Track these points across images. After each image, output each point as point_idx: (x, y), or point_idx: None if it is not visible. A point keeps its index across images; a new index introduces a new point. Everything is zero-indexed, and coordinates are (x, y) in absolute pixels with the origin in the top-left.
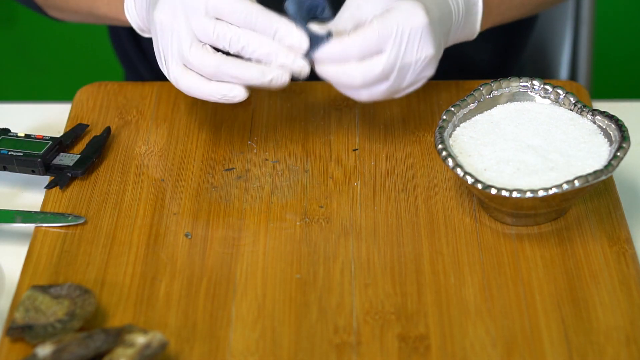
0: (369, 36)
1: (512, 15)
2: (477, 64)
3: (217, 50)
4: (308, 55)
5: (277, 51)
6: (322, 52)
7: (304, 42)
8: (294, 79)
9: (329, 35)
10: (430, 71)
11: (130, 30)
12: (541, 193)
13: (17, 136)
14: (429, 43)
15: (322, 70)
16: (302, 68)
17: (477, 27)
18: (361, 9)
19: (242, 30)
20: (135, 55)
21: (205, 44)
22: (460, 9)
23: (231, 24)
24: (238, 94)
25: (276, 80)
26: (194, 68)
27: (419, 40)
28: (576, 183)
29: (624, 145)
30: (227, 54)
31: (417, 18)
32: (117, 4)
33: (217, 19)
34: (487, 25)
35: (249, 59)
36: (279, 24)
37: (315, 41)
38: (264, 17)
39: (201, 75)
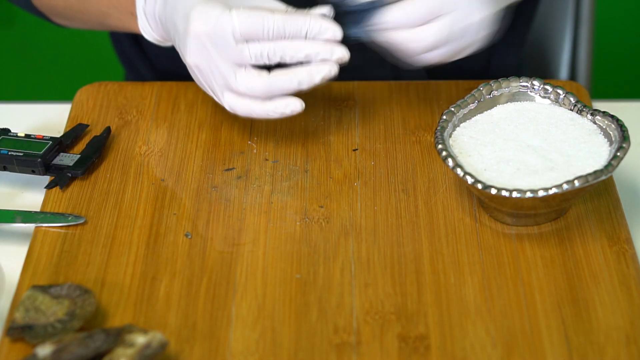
0: (428, 2)
1: None
2: (477, 63)
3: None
4: (362, 28)
5: (315, 49)
6: (386, 21)
7: (337, 32)
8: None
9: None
10: (485, 33)
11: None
12: (541, 193)
13: (17, 136)
14: (484, 3)
15: (389, 37)
16: (342, 55)
17: None
18: None
19: (275, 43)
20: (135, 56)
21: (247, 66)
22: None
23: (263, 39)
24: (294, 107)
25: (327, 76)
26: (246, 94)
27: (475, 1)
28: (576, 183)
29: (624, 145)
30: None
31: None
32: (129, 20)
33: (248, 41)
34: None
35: (293, 65)
36: (308, 24)
37: (366, 13)
38: (290, 23)
39: (255, 97)
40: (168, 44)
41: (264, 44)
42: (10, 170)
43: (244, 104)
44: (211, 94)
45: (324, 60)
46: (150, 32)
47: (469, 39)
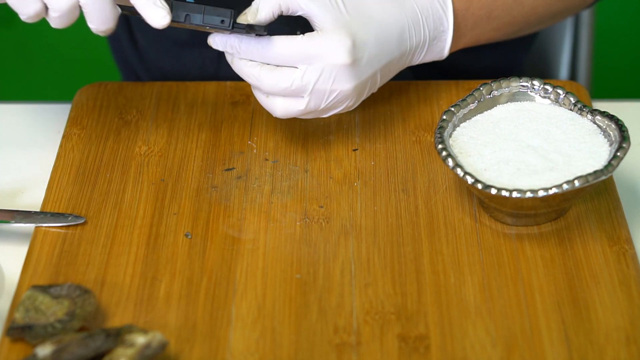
0: (287, 47)
1: (489, 37)
2: (478, 67)
3: None
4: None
5: None
6: (241, 47)
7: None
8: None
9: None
10: (351, 102)
11: (128, 31)
12: (541, 193)
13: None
14: (344, 80)
15: (236, 67)
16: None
17: (445, 51)
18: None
19: None
20: (132, 56)
21: None
22: (422, 36)
23: None
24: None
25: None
26: None
27: (334, 76)
28: (576, 183)
29: (624, 145)
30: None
31: (338, 57)
32: None
33: None
34: (459, 47)
35: None
36: None
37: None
38: None
39: None
40: None
41: None
42: (192, 22)
43: None
44: None
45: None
46: None
47: (326, 104)
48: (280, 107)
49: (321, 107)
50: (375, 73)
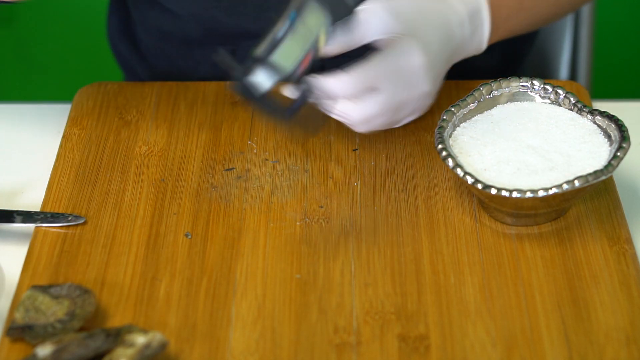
0: (365, 75)
1: (521, 29)
2: (480, 68)
3: None
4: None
5: None
6: (322, 89)
7: None
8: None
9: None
10: (429, 102)
11: (125, 31)
12: (541, 193)
13: None
14: (425, 81)
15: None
16: None
17: (483, 45)
18: (361, 29)
19: None
20: (132, 58)
21: None
22: (464, 32)
23: None
24: None
25: None
26: None
27: (415, 79)
28: (576, 183)
29: (624, 145)
30: None
31: (415, 59)
32: None
33: None
34: (494, 40)
35: None
36: None
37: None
38: None
39: None
40: None
41: None
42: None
43: None
44: None
45: None
46: None
47: (406, 111)
48: (363, 127)
49: (401, 116)
50: (441, 72)
